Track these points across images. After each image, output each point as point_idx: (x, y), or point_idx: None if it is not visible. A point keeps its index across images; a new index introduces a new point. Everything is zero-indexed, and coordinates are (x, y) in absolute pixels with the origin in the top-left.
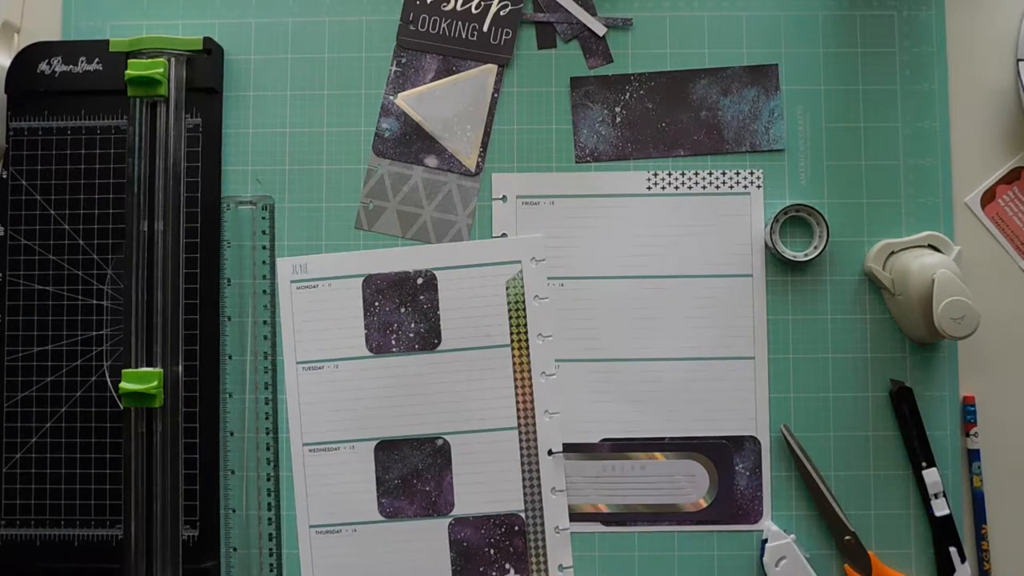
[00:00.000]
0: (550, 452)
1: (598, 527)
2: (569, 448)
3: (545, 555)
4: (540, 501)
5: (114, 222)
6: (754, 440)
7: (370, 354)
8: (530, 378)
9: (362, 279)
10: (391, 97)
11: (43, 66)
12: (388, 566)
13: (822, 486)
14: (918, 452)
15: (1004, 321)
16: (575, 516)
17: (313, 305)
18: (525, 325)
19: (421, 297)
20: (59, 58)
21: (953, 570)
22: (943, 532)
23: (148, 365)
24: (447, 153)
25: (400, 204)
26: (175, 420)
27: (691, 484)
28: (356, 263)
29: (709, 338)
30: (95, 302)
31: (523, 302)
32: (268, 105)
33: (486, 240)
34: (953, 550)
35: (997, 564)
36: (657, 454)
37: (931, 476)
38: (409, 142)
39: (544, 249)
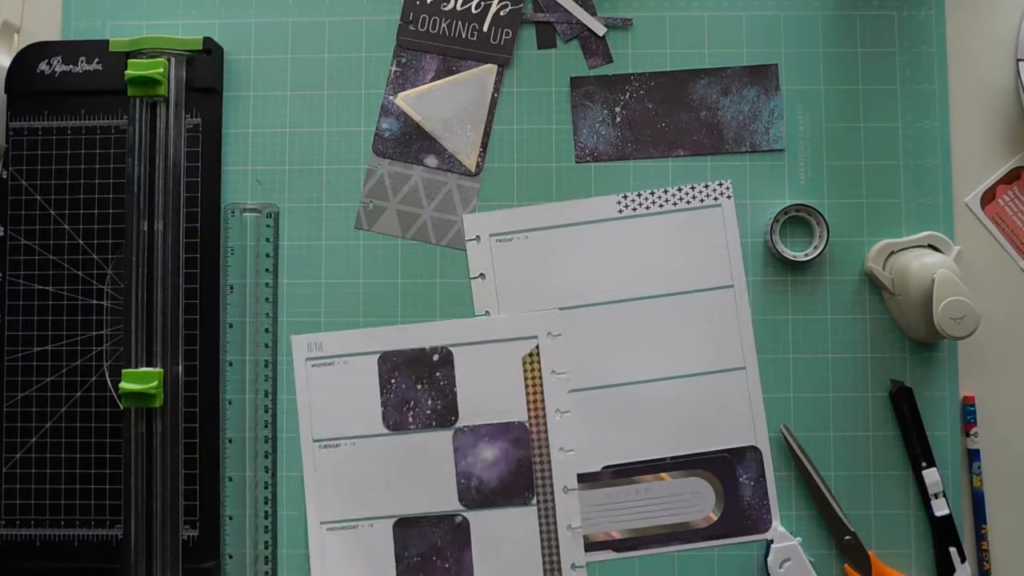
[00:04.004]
0: (569, 528)
1: (610, 554)
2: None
3: None
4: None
5: (114, 222)
6: (755, 450)
7: (387, 431)
8: (548, 454)
9: (377, 356)
10: (391, 97)
11: (43, 66)
12: None
13: (822, 486)
14: (918, 452)
15: (1004, 321)
16: (588, 546)
17: (329, 382)
18: (543, 400)
19: (437, 374)
20: (59, 58)
21: (953, 570)
22: (943, 532)
23: (148, 365)
24: (447, 153)
25: (400, 204)
26: (175, 420)
27: (699, 500)
28: (371, 340)
29: (697, 354)
30: (95, 302)
31: (540, 377)
32: (268, 105)
33: (502, 316)
34: (953, 550)
35: (997, 564)
36: (662, 475)
37: (931, 476)
38: (409, 142)
39: (560, 325)
